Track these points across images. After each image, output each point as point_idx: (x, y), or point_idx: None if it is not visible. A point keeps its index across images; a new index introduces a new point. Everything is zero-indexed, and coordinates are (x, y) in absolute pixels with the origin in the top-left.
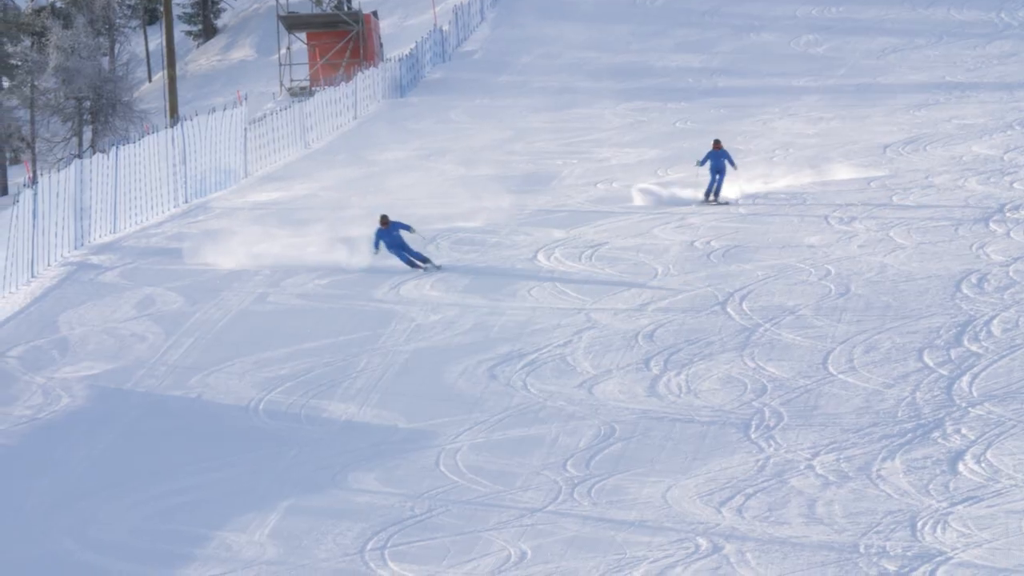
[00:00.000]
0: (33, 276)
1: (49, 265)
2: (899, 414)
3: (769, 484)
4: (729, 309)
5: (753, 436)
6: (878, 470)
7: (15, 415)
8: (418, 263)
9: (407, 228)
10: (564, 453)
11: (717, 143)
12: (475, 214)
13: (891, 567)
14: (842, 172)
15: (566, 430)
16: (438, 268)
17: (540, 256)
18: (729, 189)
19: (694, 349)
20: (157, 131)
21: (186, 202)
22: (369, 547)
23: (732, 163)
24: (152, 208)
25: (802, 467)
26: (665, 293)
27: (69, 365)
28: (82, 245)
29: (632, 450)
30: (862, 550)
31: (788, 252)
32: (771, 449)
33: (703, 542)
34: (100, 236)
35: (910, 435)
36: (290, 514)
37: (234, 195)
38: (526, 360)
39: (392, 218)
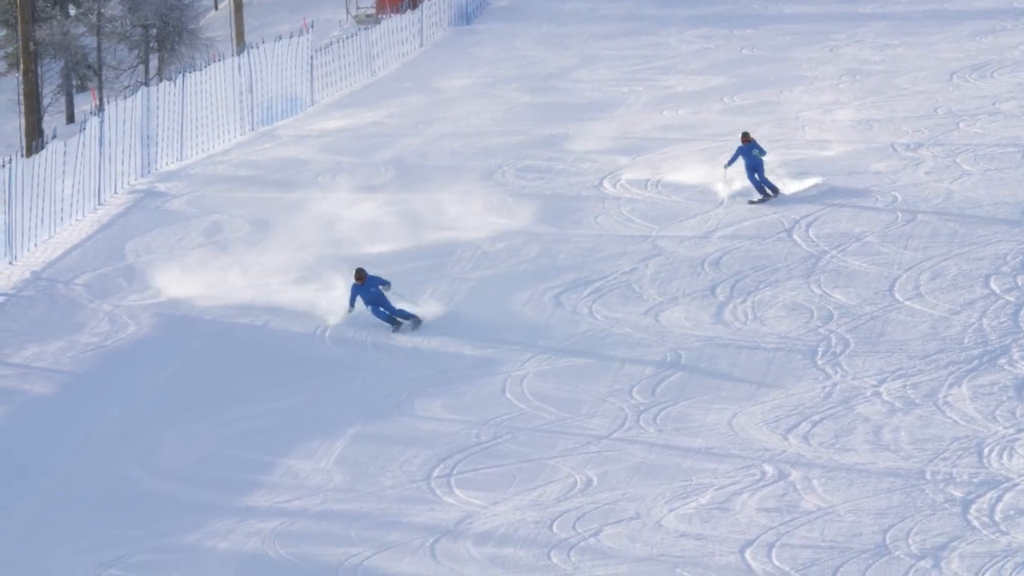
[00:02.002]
0: (100, 204)
1: (116, 193)
2: (966, 340)
3: (835, 411)
4: (795, 236)
5: (819, 363)
6: (944, 396)
7: (82, 342)
8: (398, 319)
9: (385, 284)
10: (630, 380)
11: (745, 136)
12: (541, 142)
13: (958, 493)
14: (907, 99)
15: (632, 357)
16: (419, 322)
17: (606, 183)
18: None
19: (760, 276)
20: (223, 59)
21: (252, 130)
22: (435, 474)
23: (762, 151)
24: (218, 136)
25: (868, 394)
26: (731, 220)
27: (135, 293)
28: (149, 173)
29: (698, 377)
30: (928, 477)
31: (854, 179)
32: (837, 376)
33: (769, 469)
34: (167, 164)
35: (976, 361)
36: (356, 441)
37: (300, 123)
38: (592, 287)
39: (370, 272)
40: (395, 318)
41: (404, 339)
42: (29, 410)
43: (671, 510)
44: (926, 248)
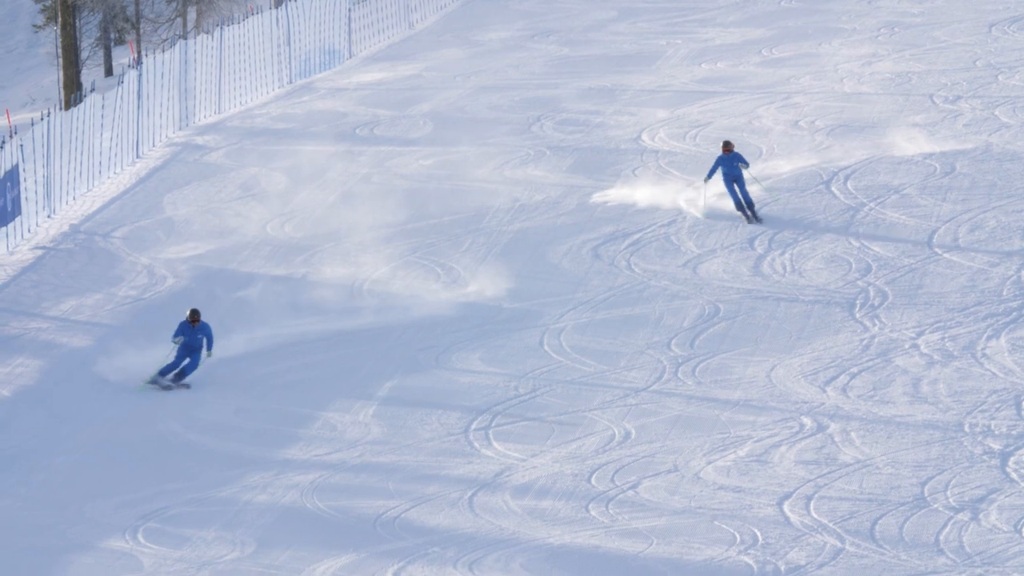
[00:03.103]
0: (138, 157)
1: (154, 146)
2: (1004, 292)
3: (874, 363)
4: (834, 188)
5: (858, 315)
6: (983, 349)
7: (120, 295)
8: (174, 375)
9: (209, 343)
10: (668, 332)
11: (727, 146)
12: (579, 95)
13: (996, 446)
14: (946, 52)
15: (670, 309)
16: (186, 387)
17: (644, 136)
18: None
19: (798, 228)
20: (261, 12)
21: (290, 83)
22: (473, 427)
23: (745, 163)
24: (256, 89)
25: (907, 346)
26: (769, 172)
27: (174, 245)
28: (186, 126)
29: (736, 329)
30: (967, 429)
31: (893, 131)
32: (876, 328)
33: (807, 421)
34: (204, 117)
35: (1015, 314)
36: (394, 394)
37: (338, 76)
38: (630, 240)
39: (203, 318)
40: (175, 374)
41: (442, 292)
42: (68, 362)
43: (709, 463)
44: (964, 200)
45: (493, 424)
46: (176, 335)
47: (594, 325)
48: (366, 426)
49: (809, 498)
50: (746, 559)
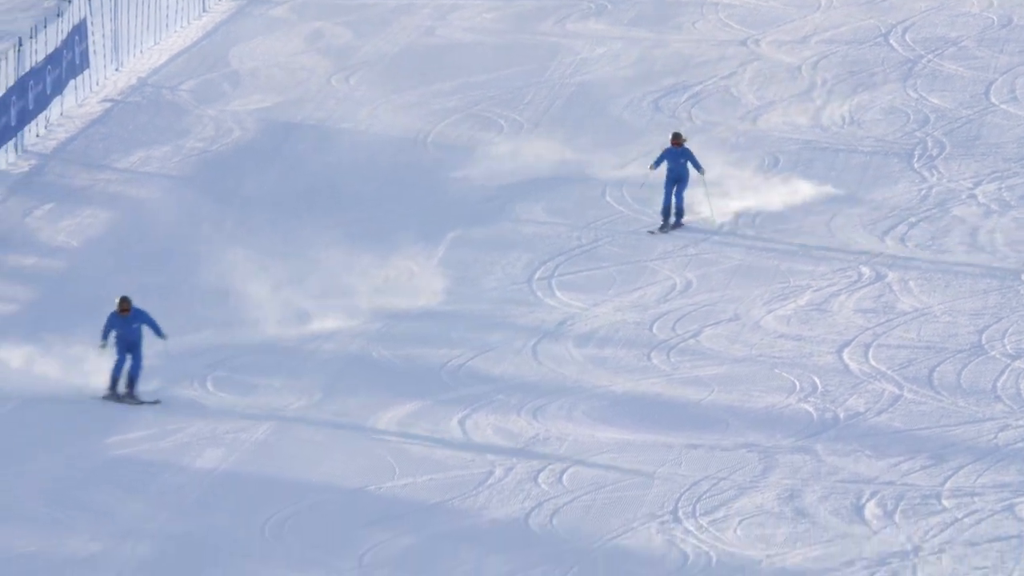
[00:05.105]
0: (204, 11)
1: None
2: None
3: (932, 213)
4: (892, 40)
5: (916, 166)
6: None
7: (188, 147)
8: (121, 383)
9: (155, 327)
10: (730, 182)
11: (676, 138)
12: None
13: None
14: None
15: (730, 161)
16: (153, 403)
17: None
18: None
19: (857, 80)
20: None
21: None
22: (536, 276)
23: (698, 167)
24: None
25: (964, 196)
26: (829, 25)
27: (240, 98)
28: None
29: (796, 179)
30: None
31: None
32: (933, 178)
33: (866, 270)
34: None
35: None
36: (458, 244)
37: None
38: (690, 92)
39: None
40: (119, 381)
41: (504, 144)
42: (136, 213)
43: (770, 311)
44: (1022, 52)
45: (556, 273)
46: (105, 334)
47: (655, 176)
48: (430, 276)
49: (868, 346)
50: (806, 406)
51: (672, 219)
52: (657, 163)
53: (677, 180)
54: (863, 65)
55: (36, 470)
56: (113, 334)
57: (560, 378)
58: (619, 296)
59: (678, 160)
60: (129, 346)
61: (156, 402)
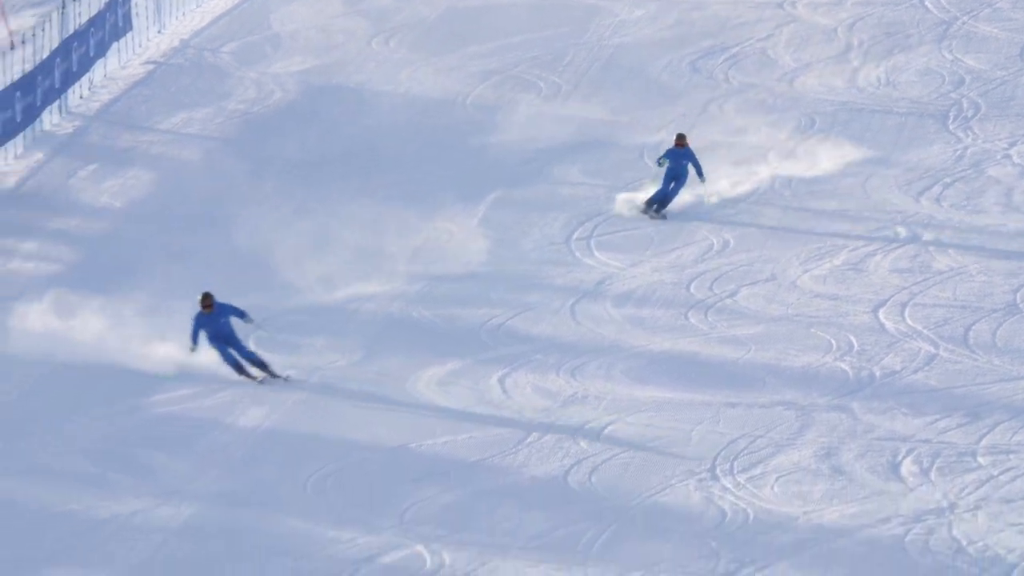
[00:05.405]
0: None
1: None
2: None
3: (966, 173)
4: (927, 2)
5: (951, 127)
6: None
7: (229, 108)
8: (250, 368)
9: (241, 315)
10: (765, 145)
11: (680, 139)
12: None
13: None
14: None
15: (767, 122)
16: (277, 378)
17: None
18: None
19: (893, 41)
20: None
21: None
22: (575, 237)
23: (699, 170)
24: None
25: (999, 156)
26: None
27: (280, 60)
28: None
29: (832, 141)
30: None
31: None
32: (968, 139)
33: (902, 230)
34: None
35: None
36: (497, 206)
37: None
38: (728, 54)
39: (219, 298)
40: (244, 367)
41: (543, 105)
42: (178, 175)
43: (806, 271)
44: None
45: (594, 234)
46: (194, 336)
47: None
48: (470, 238)
49: (904, 305)
50: (842, 365)
51: (655, 207)
52: (661, 161)
53: (675, 178)
54: (899, 27)
55: (79, 429)
56: (203, 334)
57: (598, 338)
58: (657, 256)
59: (680, 160)
60: (225, 339)
61: (277, 376)
